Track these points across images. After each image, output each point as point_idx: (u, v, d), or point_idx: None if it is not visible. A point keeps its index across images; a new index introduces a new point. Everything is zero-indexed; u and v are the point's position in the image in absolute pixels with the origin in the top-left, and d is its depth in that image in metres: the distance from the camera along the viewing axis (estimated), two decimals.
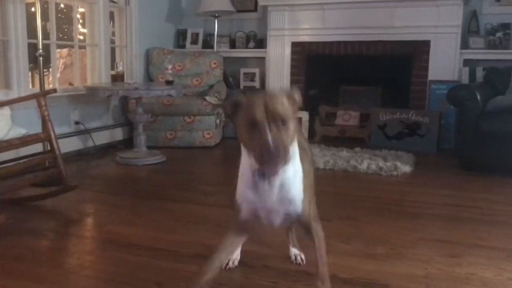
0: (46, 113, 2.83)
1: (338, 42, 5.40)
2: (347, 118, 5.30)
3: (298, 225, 1.57)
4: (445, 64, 4.97)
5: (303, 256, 2.04)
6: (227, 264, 2.01)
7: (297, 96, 1.37)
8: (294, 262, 2.05)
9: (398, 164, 3.95)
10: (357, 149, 4.62)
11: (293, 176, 1.42)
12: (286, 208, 1.46)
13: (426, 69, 5.09)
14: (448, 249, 2.31)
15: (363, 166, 3.97)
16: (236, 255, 2.05)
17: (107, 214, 2.86)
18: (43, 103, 2.84)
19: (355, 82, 5.73)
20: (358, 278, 1.97)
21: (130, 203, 3.09)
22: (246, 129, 1.29)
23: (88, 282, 1.96)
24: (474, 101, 3.79)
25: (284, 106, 1.30)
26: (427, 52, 5.06)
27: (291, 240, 2.10)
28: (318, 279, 1.50)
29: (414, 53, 5.14)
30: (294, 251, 2.09)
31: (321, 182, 3.67)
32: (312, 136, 5.38)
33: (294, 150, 1.41)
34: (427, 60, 5.08)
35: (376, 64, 5.50)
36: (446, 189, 3.47)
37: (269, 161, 1.24)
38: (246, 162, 1.41)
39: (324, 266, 1.53)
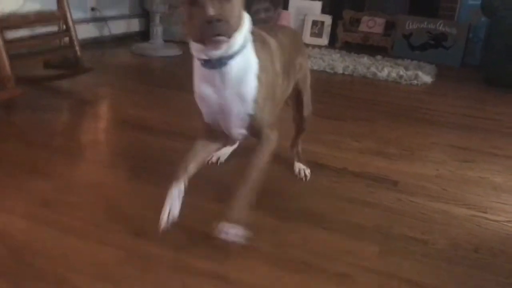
0: None
1: None
2: (372, 24, 5.08)
3: (250, 131, 1.38)
4: None
5: (308, 172, 1.90)
6: (216, 160, 1.95)
7: None
8: (298, 176, 1.89)
9: (420, 73, 3.84)
10: (379, 57, 4.48)
11: (244, 69, 1.28)
12: (238, 106, 1.31)
13: None
14: (461, 154, 2.29)
15: (383, 73, 3.87)
16: (225, 152, 1.98)
17: (122, 98, 2.86)
18: None
19: None
20: (368, 172, 1.97)
21: (146, 90, 3.08)
22: (187, 7, 1.17)
23: (103, 156, 1.99)
24: (510, 11, 3.58)
25: None
26: None
27: (296, 155, 1.96)
28: (234, 198, 1.28)
29: None
30: (298, 165, 1.94)
31: (338, 86, 3.64)
32: (333, 42, 5.21)
33: (246, 39, 1.28)
34: None
35: None
36: (466, 101, 3.39)
37: (210, 34, 1.14)
38: (194, 51, 1.27)
39: (250, 179, 1.31)
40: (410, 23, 4.77)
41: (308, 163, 1.98)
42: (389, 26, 5.03)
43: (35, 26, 2.94)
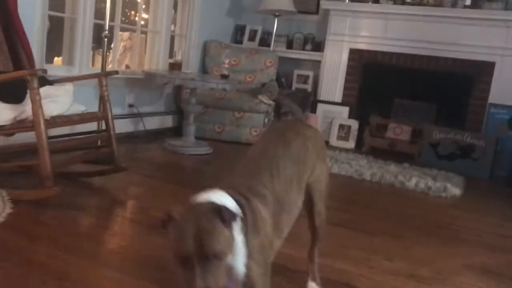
0: (106, 93, 2.90)
1: (398, 54, 5.29)
2: (399, 131, 5.17)
3: None
4: (509, 88, 4.76)
5: None
6: None
7: (228, 216, 1.15)
8: None
9: (448, 185, 3.82)
10: (406, 165, 4.50)
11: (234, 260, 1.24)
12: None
13: (487, 91, 4.92)
14: (497, 282, 2.20)
15: (411, 183, 3.86)
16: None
17: (152, 199, 2.90)
18: (104, 83, 2.90)
19: (410, 96, 5.59)
20: None
21: (175, 190, 3.12)
22: (176, 260, 1.13)
23: (132, 265, 1.98)
24: None
25: (218, 238, 1.11)
26: (490, 73, 4.88)
27: (310, 273, 1.88)
28: None
29: (477, 73, 4.97)
30: (311, 285, 1.86)
31: (366, 194, 3.63)
32: (360, 146, 5.29)
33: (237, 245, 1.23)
34: (489, 82, 4.91)
35: (434, 80, 5.33)
36: (497, 218, 3.31)
37: None
38: None
39: None
40: (437, 133, 4.84)
41: (336, 284, 1.93)
42: (416, 134, 5.10)
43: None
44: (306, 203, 1.74)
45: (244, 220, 1.27)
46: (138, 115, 4.62)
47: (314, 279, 1.86)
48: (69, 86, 2.82)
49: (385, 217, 3.06)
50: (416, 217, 3.13)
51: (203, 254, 1.08)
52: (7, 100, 2.52)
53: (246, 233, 1.27)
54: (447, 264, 2.36)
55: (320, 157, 1.71)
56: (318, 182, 1.71)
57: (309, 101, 5.51)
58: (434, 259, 2.39)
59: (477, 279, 2.20)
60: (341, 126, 5.43)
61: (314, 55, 5.75)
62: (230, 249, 1.16)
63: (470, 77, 5.02)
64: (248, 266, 1.27)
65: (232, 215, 1.17)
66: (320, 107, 5.57)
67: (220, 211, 1.14)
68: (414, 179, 3.93)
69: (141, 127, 4.66)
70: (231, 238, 1.17)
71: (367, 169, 4.17)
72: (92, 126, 3.70)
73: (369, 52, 5.44)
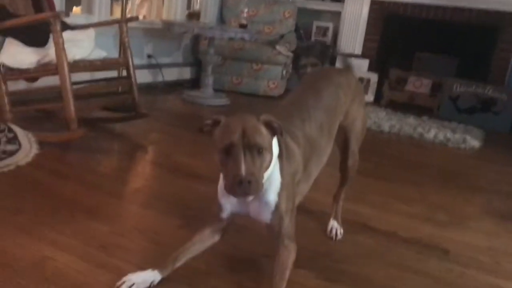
0: (126, 39, 2.90)
1: (421, 5, 5.14)
2: (418, 85, 5.10)
3: (270, 235, 1.41)
4: None
5: (340, 232, 1.86)
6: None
7: (276, 125, 1.28)
8: (329, 234, 1.86)
9: (467, 137, 3.80)
10: (425, 117, 4.47)
11: (268, 187, 1.33)
12: (259, 216, 1.38)
13: None
14: None
15: (430, 134, 3.85)
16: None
17: (173, 145, 2.95)
18: (124, 29, 2.90)
19: (431, 49, 5.47)
20: (418, 238, 1.94)
21: (194, 138, 3.15)
22: (221, 152, 1.23)
23: (156, 202, 2.04)
24: None
25: (261, 135, 1.24)
26: None
27: (334, 211, 1.93)
28: None
29: (502, 25, 4.82)
30: (332, 223, 1.90)
31: (385, 144, 3.64)
32: (379, 99, 5.25)
33: (273, 162, 1.32)
34: None
35: (456, 32, 5.20)
36: None
37: (239, 193, 1.21)
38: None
39: None
40: (458, 86, 4.76)
41: (354, 224, 1.98)
42: (436, 87, 5.02)
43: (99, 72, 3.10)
44: (340, 144, 1.79)
45: (280, 148, 1.35)
46: (157, 66, 4.62)
47: (336, 218, 1.91)
48: (90, 31, 2.82)
49: (403, 166, 3.07)
50: (434, 166, 3.14)
51: (246, 144, 1.21)
52: (30, 44, 2.54)
53: (281, 161, 1.36)
54: (464, 210, 2.38)
55: (355, 100, 1.73)
56: (353, 123, 1.75)
57: (328, 53, 5.44)
58: (451, 205, 2.42)
59: (495, 224, 2.23)
60: (360, 79, 5.37)
61: (334, 6, 5.62)
62: (270, 151, 1.27)
63: (495, 29, 4.88)
64: (280, 196, 1.35)
65: (279, 126, 1.29)
66: (340, 59, 5.50)
67: (269, 120, 1.28)
68: (433, 131, 3.91)
69: (159, 78, 4.67)
70: (271, 144, 1.28)
71: (386, 121, 4.15)
72: (110, 73, 3.72)
73: (391, 3, 5.30)
